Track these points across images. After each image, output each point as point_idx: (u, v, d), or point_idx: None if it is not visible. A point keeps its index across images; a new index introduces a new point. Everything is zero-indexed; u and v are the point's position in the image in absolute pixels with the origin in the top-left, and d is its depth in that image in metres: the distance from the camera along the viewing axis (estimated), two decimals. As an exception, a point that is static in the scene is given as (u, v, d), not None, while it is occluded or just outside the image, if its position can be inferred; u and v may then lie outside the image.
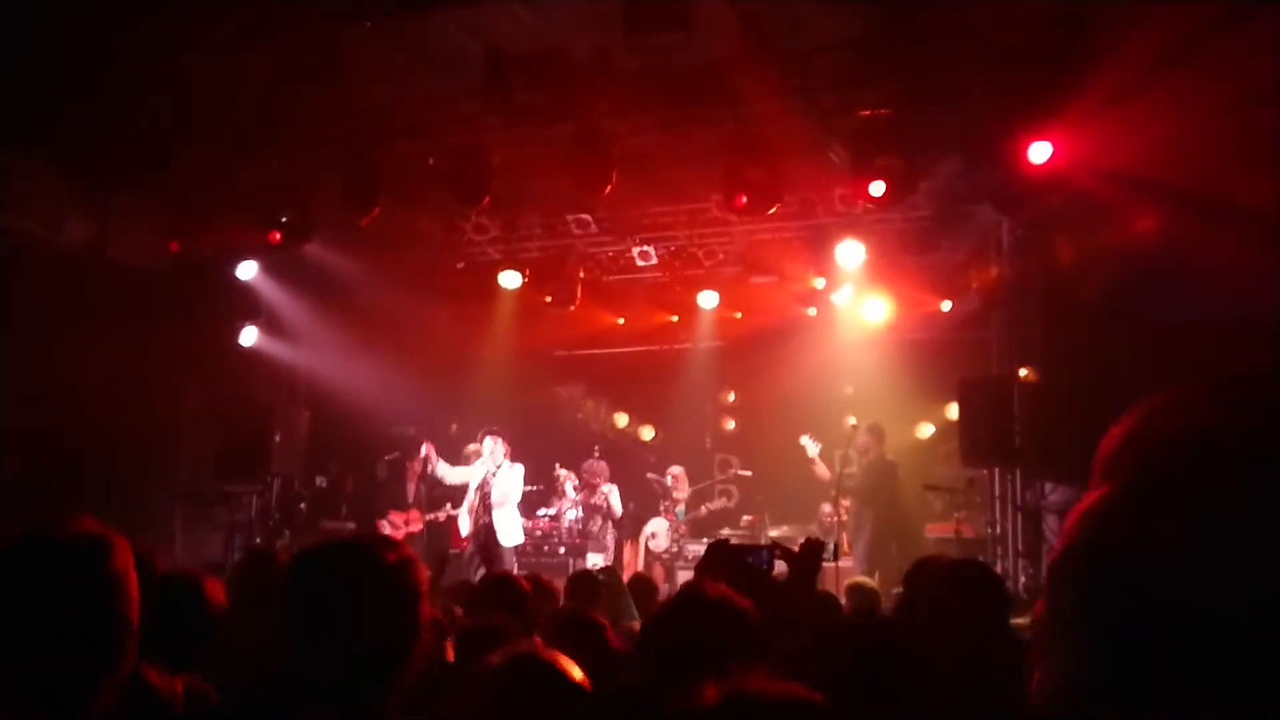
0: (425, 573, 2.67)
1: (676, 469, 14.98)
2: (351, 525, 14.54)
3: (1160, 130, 8.44)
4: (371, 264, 13.98)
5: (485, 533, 12.71)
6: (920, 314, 13.99)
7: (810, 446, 13.27)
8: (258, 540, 13.17)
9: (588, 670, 3.09)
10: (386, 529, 14.14)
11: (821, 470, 13.20)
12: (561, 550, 14.11)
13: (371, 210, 11.35)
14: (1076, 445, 10.61)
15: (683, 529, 14.63)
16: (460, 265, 14.65)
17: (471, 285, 14.82)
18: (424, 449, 12.89)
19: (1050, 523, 11.26)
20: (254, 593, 5.21)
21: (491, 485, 12.77)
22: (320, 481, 14.95)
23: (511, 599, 5.59)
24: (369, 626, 2.49)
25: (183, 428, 13.39)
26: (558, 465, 14.67)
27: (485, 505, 12.76)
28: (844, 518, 12.98)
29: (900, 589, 5.19)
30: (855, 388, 15.33)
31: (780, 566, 4.07)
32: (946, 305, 13.71)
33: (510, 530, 12.81)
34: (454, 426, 15.97)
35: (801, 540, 4.14)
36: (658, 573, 14.35)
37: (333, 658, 2.47)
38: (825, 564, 4.27)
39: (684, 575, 13.74)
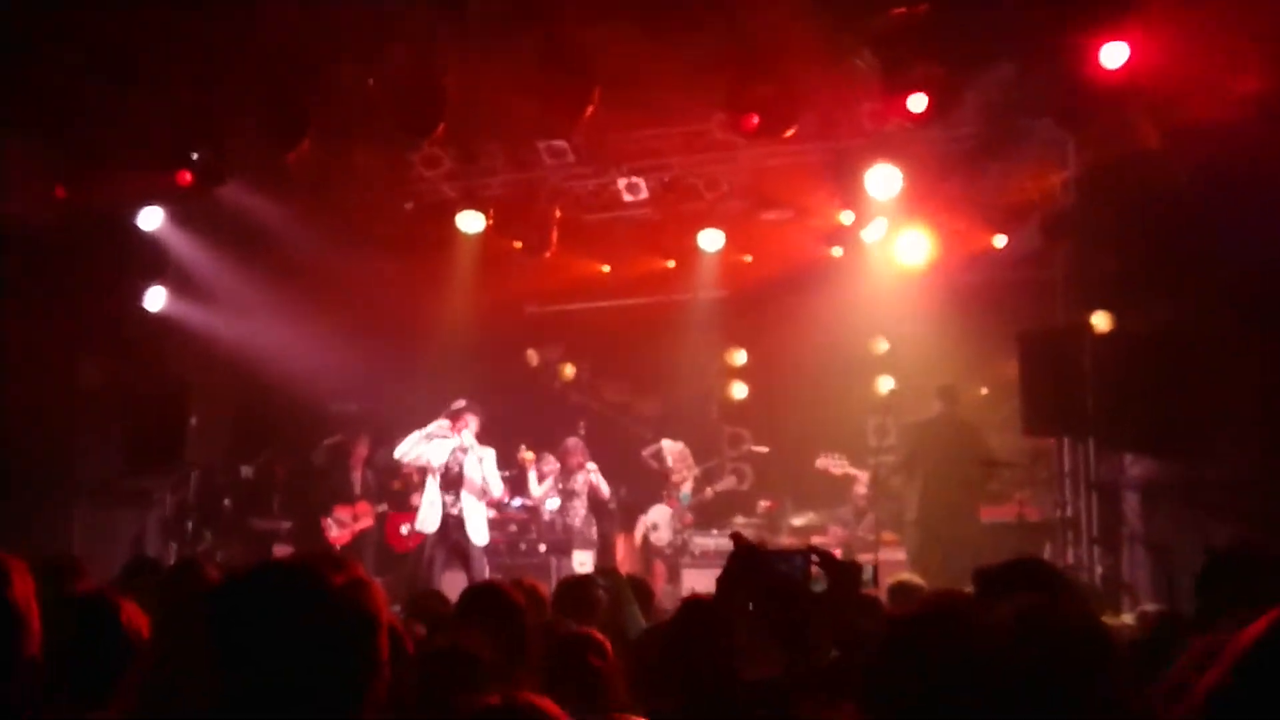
0: (382, 596, 2.65)
1: (677, 445, 15.00)
2: (286, 524, 14.57)
3: (1260, 24, 8.39)
4: (302, 209, 13.89)
5: (455, 528, 12.69)
6: (969, 252, 13.94)
7: (832, 464, 13.26)
8: (174, 546, 13.19)
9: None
10: (332, 528, 14.17)
11: (861, 485, 13.21)
12: (542, 549, 14.15)
13: (299, 144, 11.26)
14: (1160, 409, 10.69)
15: (687, 517, 14.67)
16: (409, 206, 14.59)
17: (423, 231, 14.75)
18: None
19: (1130, 502, 11.29)
20: (179, 615, 5.19)
21: (464, 469, 12.74)
22: (247, 471, 14.97)
23: (500, 614, 5.50)
24: (314, 670, 2.46)
25: (79, 411, 13.35)
26: (522, 448, 14.52)
27: (456, 494, 12.74)
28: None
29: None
30: (890, 343, 15.33)
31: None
32: (1000, 241, 13.67)
33: (482, 527, 12.83)
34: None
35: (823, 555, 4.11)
36: (659, 570, 14.43)
37: (271, 705, 2.45)
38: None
39: (690, 575, 13.81)
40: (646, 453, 15.22)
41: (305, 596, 2.49)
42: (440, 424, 12.82)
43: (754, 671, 3.95)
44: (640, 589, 8.15)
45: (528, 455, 14.37)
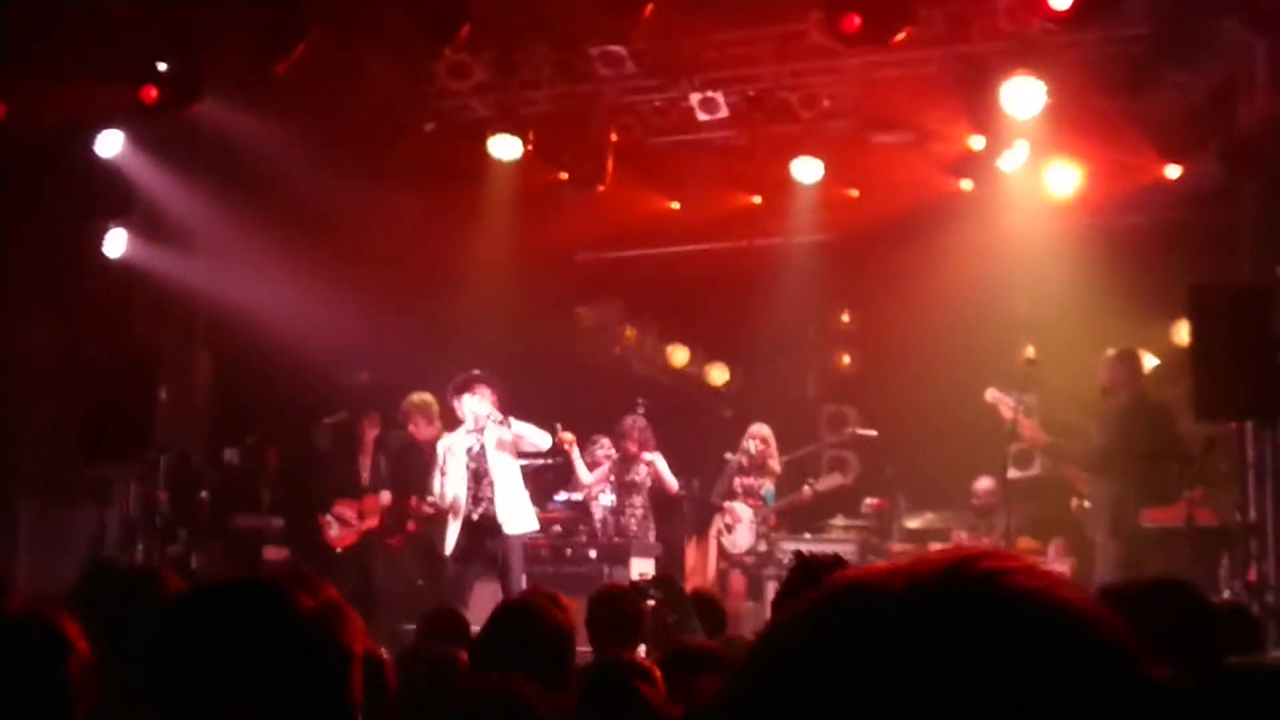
0: (358, 625, 2.70)
1: (762, 429, 15.00)
2: (278, 522, 14.72)
3: None
4: (297, 132, 13.95)
5: (487, 533, 12.87)
6: (1132, 186, 13.87)
7: (1004, 401, 13.10)
8: (141, 549, 13.35)
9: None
10: (333, 526, 14.32)
11: (1037, 433, 13.07)
12: (592, 554, 14.22)
13: (294, 51, 11.34)
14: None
15: (773, 519, 14.69)
16: (430, 128, 14.64)
17: (449, 158, 14.84)
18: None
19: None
20: (127, 635, 5.29)
21: (485, 452, 12.89)
22: (231, 457, 15.10)
23: (541, 642, 5.48)
24: (271, 713, 2.53)
25: (23, 385, 13.54)
26: (558, 427, 14.42)
27: (479, 490, 12.89)
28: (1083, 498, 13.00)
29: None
30: (1033, 301, 15.25)
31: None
32: (1174, 172, 13.56)
33: (523, 514, 13.05)
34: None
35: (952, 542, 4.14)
36: (736, 583, 14.49)
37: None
38: None
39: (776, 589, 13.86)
40: (727, 455, 15.09)
41: (263, 625, 2.54)
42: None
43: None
44: (707, 607, 8.21)
45: (566, 436, 14.29)
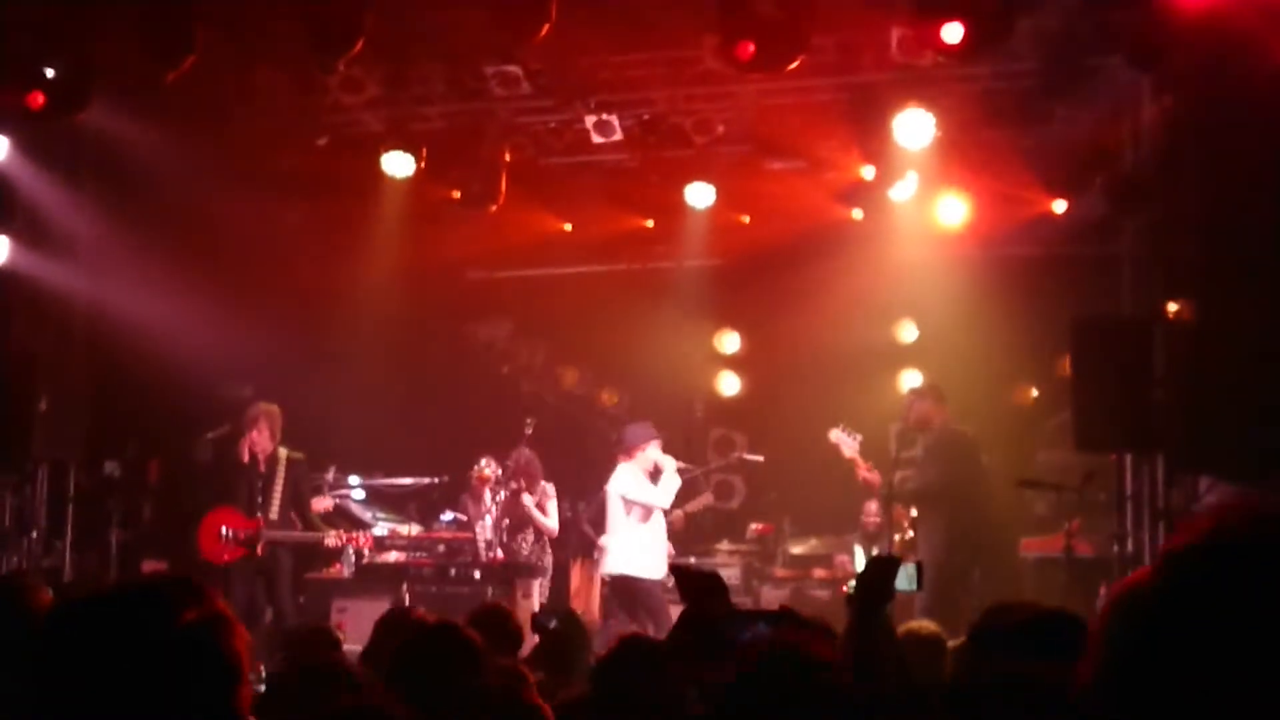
0: (245, 637, 2.70)
1: None
2: (158, 535, 14.58)
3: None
4: (186, 143, 13.86)
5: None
6: (1017, 220, 14.04)
7: (845, 443, 13.27)
8: (15, 560, 13.19)
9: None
10: (220, 540, 14.16)
11: (871, 474, 13.24)
12: (476, 575, 14.23)
13: (184, 60, 11.26)
14: (1248, 421, 10.77)
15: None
16: (322, 143, 14.57)
17: (340, 173, 14.76)
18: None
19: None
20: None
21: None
22: (111, 469, 14.93)
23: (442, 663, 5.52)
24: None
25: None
26: (485, 463, 14.63)
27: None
28: (907, 529, 13.13)
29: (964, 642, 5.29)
30: (919, 329, 15.43)
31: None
32: (1060, 206, 13.75)
33: None
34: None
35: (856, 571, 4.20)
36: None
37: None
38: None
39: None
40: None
41: (143, 636, 2.54)
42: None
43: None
44: (570, 636, 8.22)
45: (486, 472, 14.43)
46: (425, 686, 5.01)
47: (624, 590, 13.42)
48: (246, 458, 13.71)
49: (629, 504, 13.60)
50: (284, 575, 13.69)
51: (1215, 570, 1.69)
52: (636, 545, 13.44)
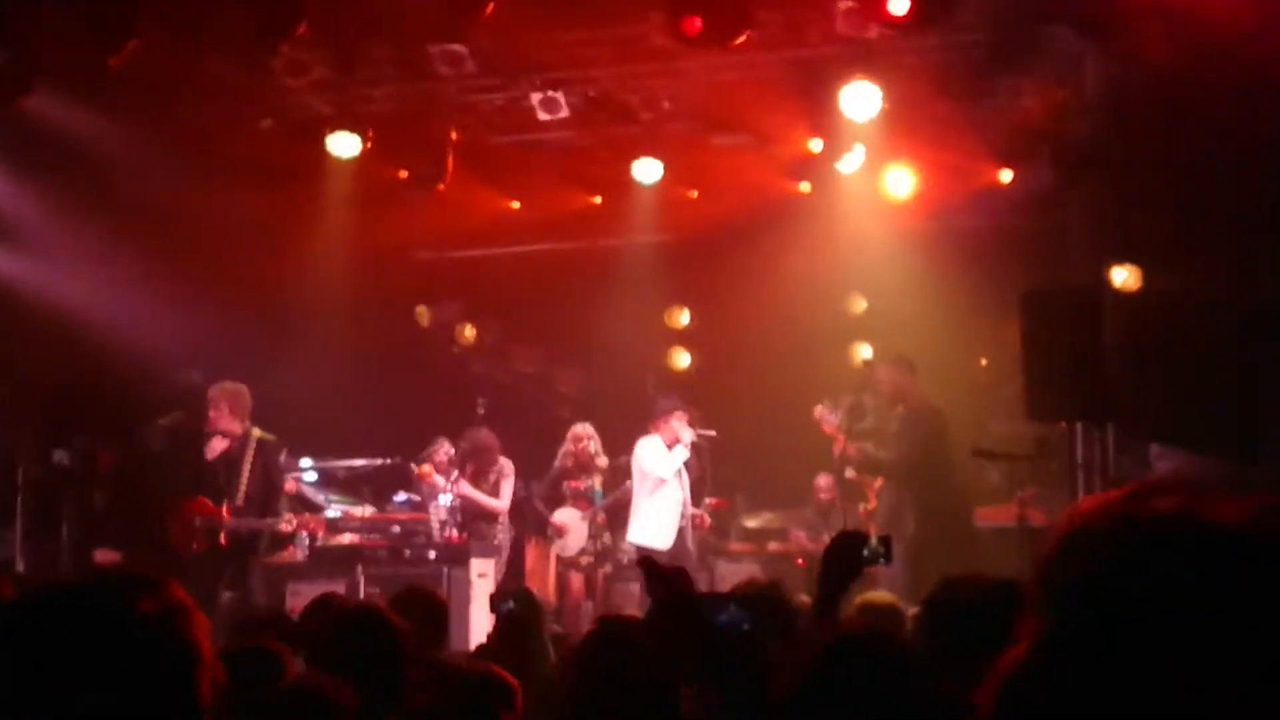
0: (205, 626, 2.69)
1: (580, 428, 15.01)
2: (111, 525, 14.50)
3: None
4: (130, 127, 13.77)
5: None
6: (966, 191, 14.09)
7: (828, 419, 13.28)
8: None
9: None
10: (188, 530, 14.06)
11: (851, 451, 13.25)
12: (431, 555, 14.20)
13: (126, 44, 11.19)
14: (1196, 389, 10.87)
15: (601, 517, 14.74)
16: (268, 124, 14.50)
17: (286, 155, 14.66)
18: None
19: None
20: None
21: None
22: (60, 458, 14.85)
23: (372, 645, 5.54)
24: (119, 714, 2.52)
25: None
26: (443, 444, 14.69)
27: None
28: (872, 502, 13.16)
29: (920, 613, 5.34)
30: (869, 302, 15.47)
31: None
32: (1007, 176, 13.81)
33: None
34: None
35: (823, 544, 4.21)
36: (575, 582, 14.54)
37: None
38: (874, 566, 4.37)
39: (618, 589, 14.00)
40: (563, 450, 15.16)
41: (100, 627, 2.51)
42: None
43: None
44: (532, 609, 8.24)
45: (425, 469, 14.50)
46: (348, 672, 5.00)
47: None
48: (208, 441, 13.54)
49: (643, 475, 14.01)
50: (254, 564, 13.52)
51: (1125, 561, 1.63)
52: (648, 515, 13.91)
